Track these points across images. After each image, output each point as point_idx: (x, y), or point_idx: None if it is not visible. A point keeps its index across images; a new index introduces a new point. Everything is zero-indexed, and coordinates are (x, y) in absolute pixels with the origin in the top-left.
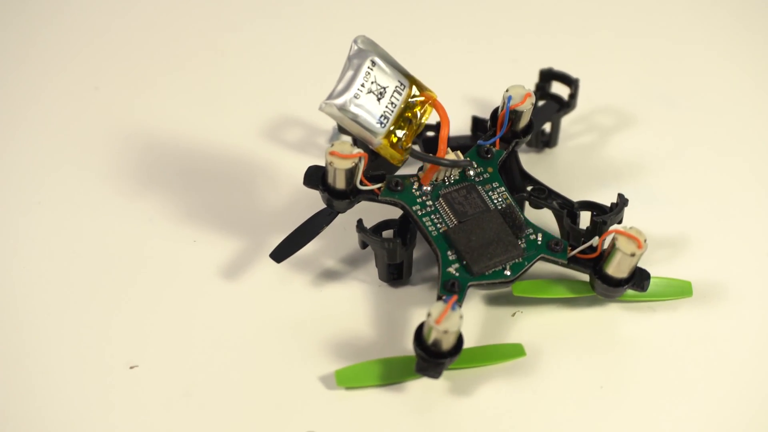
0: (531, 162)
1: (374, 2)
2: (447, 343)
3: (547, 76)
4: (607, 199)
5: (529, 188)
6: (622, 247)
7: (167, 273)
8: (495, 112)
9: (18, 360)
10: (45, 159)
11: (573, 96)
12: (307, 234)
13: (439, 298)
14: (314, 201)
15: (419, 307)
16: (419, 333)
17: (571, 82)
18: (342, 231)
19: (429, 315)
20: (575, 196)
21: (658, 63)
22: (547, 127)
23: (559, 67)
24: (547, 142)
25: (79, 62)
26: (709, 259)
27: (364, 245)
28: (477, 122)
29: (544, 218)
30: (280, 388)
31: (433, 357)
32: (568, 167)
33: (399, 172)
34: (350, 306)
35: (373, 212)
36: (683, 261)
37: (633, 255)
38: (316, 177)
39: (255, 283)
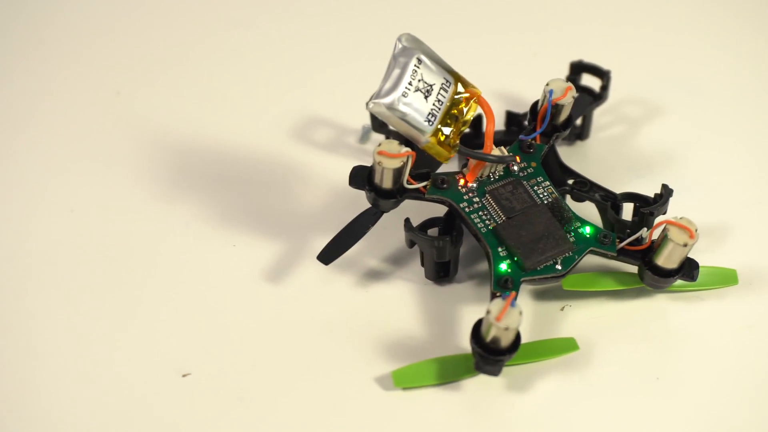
0: (564, 155)
1: (392, 0)
2: (506, 340)
3: (578, 68)
4: (641, 190)
5: (570, 181)
6: (675, 238)
7: (210, 278)
8: (534, 106)
9: (68, 373)
10: (73, 167)
11: (605, 88)
12: (354, 235)
13: (494, 295)
14: (350, 201)
15: (468, 304)
16: (477, 331)
17: (602, 74)
18: (383, 231)
19: (488, 312)
20: (611, 188)
21: (677, 51)
22: (577, 119)
23: (579, 58)
24: (579, 134)
25: (98, 67)
26: (751, 245)
27: (411, 244)
28: (511, 117)
29: (585, 211)
30: (337, 390)
31: (492, 354)
32: (600, 159)
33: (439, 170)
34: (398, 305)
35: (409, 211)
36: (725, 249)
37: (685, 245)
38: (361, 177)
39: (300, 285)
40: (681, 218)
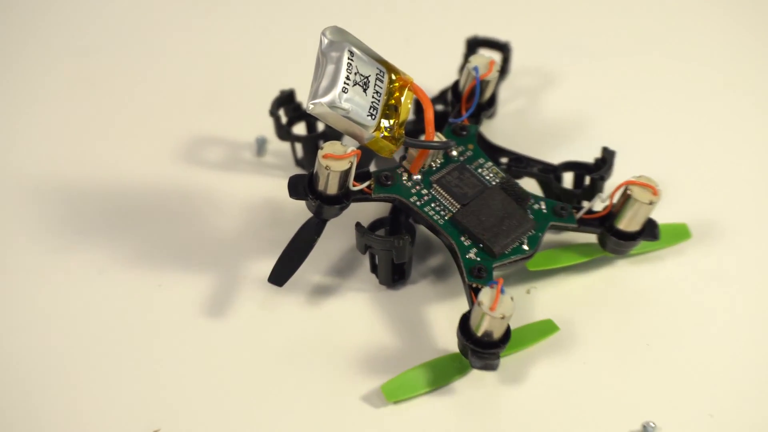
0: None
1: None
2: (500, 330)
3: (474, 44)
4: (566, 158)
5: (504, 159)
6: (639, 197)
7: (145, 324)
8: (456, 87)
9: None
10: None
11: (506, 60)
12: (302, 250)
13: (470, 287)
14: (269, 216)
15: (430, 304)
16: (464, 326)
17: (502, 47)
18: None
19: (480, 304)
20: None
21: (557, 17)
22: None
23: (452, 38)
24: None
25: None
26: (692, 198)
27: (365, 249)
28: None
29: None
30: (329, 419)
31: (485, 348)
32: (513, 135)
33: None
34: (359, 318)
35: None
36: (668, 205)
37: (651, 203)
38: (301, 186)
39: (245, 315)
40: (640, 176)
